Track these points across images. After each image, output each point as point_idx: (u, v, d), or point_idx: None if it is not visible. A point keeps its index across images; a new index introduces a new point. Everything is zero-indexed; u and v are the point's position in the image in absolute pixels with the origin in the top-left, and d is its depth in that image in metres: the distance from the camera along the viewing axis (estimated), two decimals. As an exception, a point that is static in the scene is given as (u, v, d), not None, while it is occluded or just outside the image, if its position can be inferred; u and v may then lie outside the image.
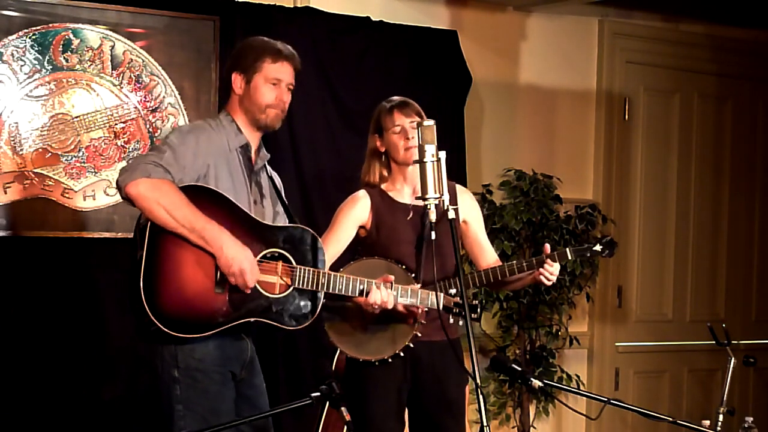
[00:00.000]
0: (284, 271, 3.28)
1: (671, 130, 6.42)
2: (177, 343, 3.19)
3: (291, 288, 3.29)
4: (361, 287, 3.40)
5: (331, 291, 3.34)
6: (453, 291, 3.54)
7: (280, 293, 3.28)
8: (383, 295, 3.44)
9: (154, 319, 3.11)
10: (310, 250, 3.33)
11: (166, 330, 3.12)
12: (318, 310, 3.33)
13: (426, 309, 3.61)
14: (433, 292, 3.51)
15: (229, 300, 3.20)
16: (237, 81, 3.37)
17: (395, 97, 3.83)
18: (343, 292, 3.37)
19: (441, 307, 3.49)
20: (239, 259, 3.16)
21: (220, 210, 3.22)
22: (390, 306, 3.47)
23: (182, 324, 3.16)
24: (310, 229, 3.36)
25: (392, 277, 3.50)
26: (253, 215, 3.30)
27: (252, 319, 3.25)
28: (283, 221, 3.50)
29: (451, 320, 3.56)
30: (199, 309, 3.18)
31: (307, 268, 3.29)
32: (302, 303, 3.31)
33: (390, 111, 3.77)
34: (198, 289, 3.18)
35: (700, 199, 6.52)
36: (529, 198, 5.62)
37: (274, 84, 3.36)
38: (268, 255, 3.27)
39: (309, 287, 3.29)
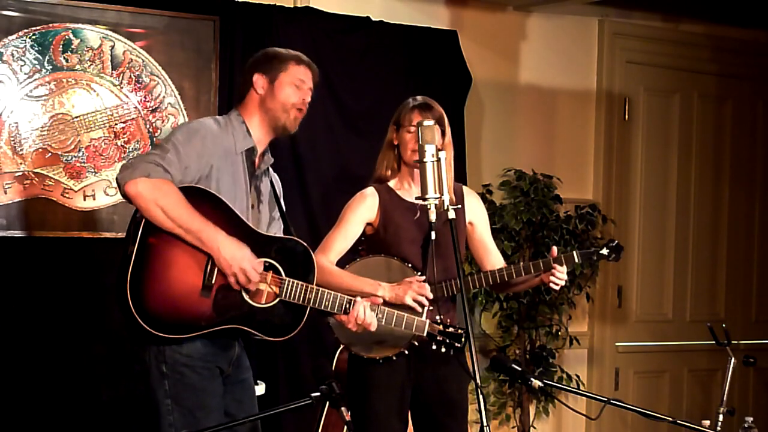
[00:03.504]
0: (273, 282, 3.27)
1: (671, 130, 6.42)
2: (159, 342, 3.19)
3: (277, 299, 3.27)
4: (348, 306, 3.35)
5: (317, 307, 3.30)
6: (439, 318, 3.52)
7: (266, 303, 3.26)
8: (367, 316, 3.37)
9: (137, 316, 3.10)
10: (301, 263, 3.31)
11: (147, 328, 3.12)
12: (302, 323, 3.30)
13: (430, 309, 3.61)
14: (418, 318, 3.48)
15: (213, 305, 3.19)
16: (260, 81, 3.36)
17: (420, 97, 3.83)
18: (329, 309, 3.33)
19: (425, 333, 3.47)
20: (238, 258, 3.16)
21: (217, 214, 3.20)
22: (372, 329, 3.41)
23: (164, 324, 3.15)
24: (303, 243, 3.33)
25: (380, 300, 3.45)
26: (248, 222, 3.29)
27: (234, 326, 3.23)
28: (278, 227, 3.49)
29: (434, 347, 3.54)
30: (184, 311, 3.17)
31: (295, 281, 3.27)
32: (286, 315, 3.28)
33: (411, 109, 3.76)
34: (184, 291, 3.17)
35: (700, 199, 6.52)
36: (529, 198, 5.61)
37: (297, 85, 3.36)
38: None
39: (296, 300, 3.27)
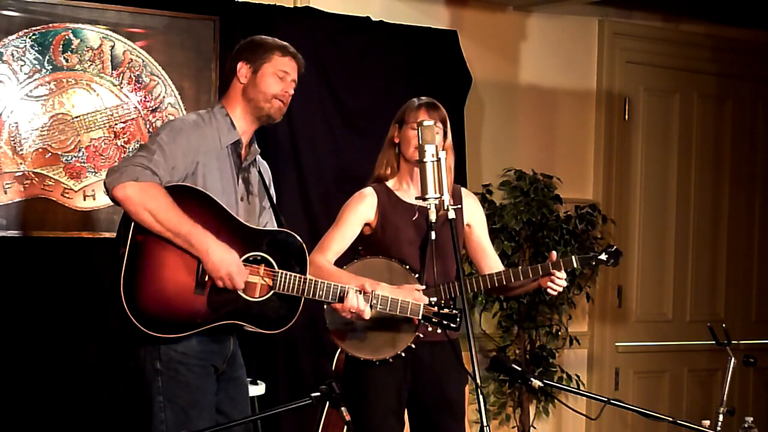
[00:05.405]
0: (266, 275, 3.28)
1: (671, 130, 6.42)
2: (155, 342, 3.19)
3: (271, 292, 3.28)
4: (342, 294, 3.37)
5: (311, 297, 3.31)
6: (434, 300, 3.52)
7: (260, 296, 3.27)
8: (360, 303, 3.39)
9: (132, 317, 3.11)
10: (293, 255, 3.31)
11: (143, 329, 3.13)
12: (297, 315, 3.31)
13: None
14: (414, 302, 3.48)
15: (208, 301, 3.20)
16: (243, 69, 3.37)
17: (425, 97, 3.83)
18: (323, 299, 3.35)
19: (420, 317, 3.48)
20: (226, 263, 3.17)
21: (205, 211, 3.21)
22: (366, 317, 3.43)
23: (160, 323, 3.16)
24: (295, 234, 3.34)
25: (369, 288, 3.44)
26: (238, 217, 3.29)
27: (230, 322, 3.24)
28: (269, 217, 3.50)
29: (429, 329, 3.55)
30: (179, 309, 3.18)
31: (288, 273, 3.28)
32: (281, 307, 3.29)
33: (417, 108, 3.76)
34: (178, 290, 3.17)
35: (700, 199, 6.52)
36: (529, 198, 5.61)
37: (280, 76, 3.36)
38: (251, 258, 3.26)
39: (290, 292, 3.28)
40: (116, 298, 3.12)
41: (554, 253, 3.77)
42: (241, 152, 3.39)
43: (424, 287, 3.61)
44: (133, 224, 3.14)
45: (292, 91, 3.41)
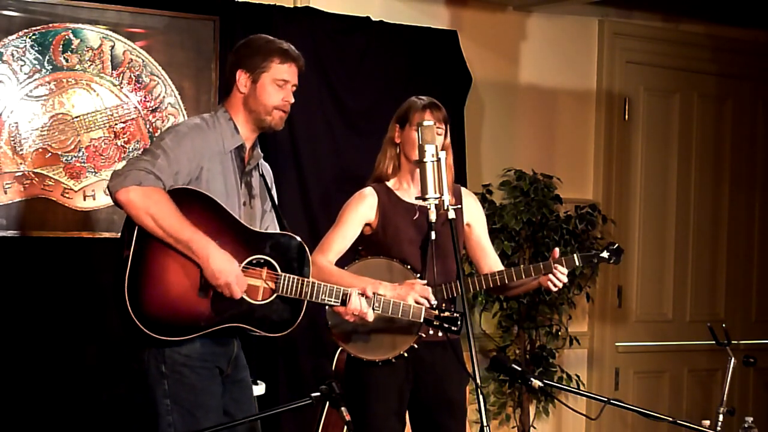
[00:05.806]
0: (269, 278, 3.28)
1: (671, 130, 6.43)
2: (159, 344, 3.20)
3: (274, 295, 3.28)
4: (344, 297, 3.37)
5: (314, 300, 3.31)
6: (435, 303, 3.52)
7: (263, 299, 3.27)
8: (363, 306, 3.39)
9: (136, 320, 3.11)
10: (296, 258, 3.31)
11: (147, 332, 3.13)
12: (300, 318, 3.32)
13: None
14: (414, 305, 3.48)
15: (212, 304, 3.20)
16: (242, 79, 3.34)
17: (425, 97, 3.82)
18: (326, 302, 3.35)
19: (422, 319, 3.48)
20: (226, 272, 3.16)
21: (209, 214, 3.21)
22: (369, 320, 3.43)
23: (164, 326, 3.16)
24: (297, 237, 3.34)
25: (371, 292, 3.44)
26: (241, 220, 3.29)
27: (233, 325, 3.24)
28: (271, 220, 3.49)
29: (431, 332, 3.56)
30: (182, 312, 3.18)
31: (291, 276, 3.28)
32: (284, 310, 3.30)
33: (423, 109, 3.74)
34: (182, 292, 3.18)
35: (700, 199, 6.52)
36: (529, 198, 5.61)
37: (280, 85, 3.34)
38: (254, 261, 3.27)
39: (292, 295, 3.28)
40: (120, 300, 3.12)
41: (556, 250, 3.77)
42: (245, 156, 3.39)
43: (424, 281, 3.61)
44: (137, 227, 3.14)
45: (292, 99, 3.38)
